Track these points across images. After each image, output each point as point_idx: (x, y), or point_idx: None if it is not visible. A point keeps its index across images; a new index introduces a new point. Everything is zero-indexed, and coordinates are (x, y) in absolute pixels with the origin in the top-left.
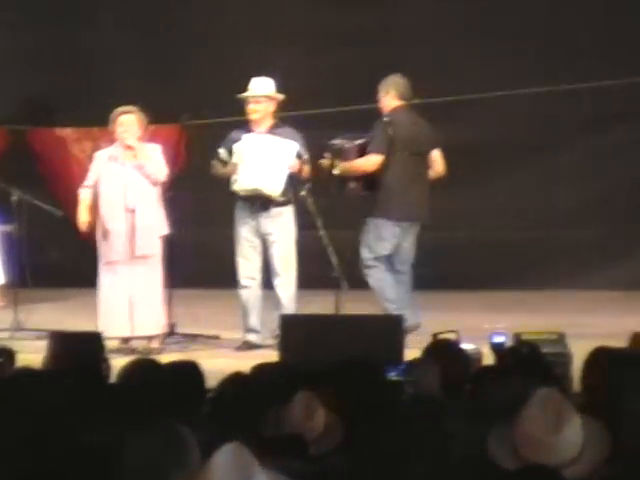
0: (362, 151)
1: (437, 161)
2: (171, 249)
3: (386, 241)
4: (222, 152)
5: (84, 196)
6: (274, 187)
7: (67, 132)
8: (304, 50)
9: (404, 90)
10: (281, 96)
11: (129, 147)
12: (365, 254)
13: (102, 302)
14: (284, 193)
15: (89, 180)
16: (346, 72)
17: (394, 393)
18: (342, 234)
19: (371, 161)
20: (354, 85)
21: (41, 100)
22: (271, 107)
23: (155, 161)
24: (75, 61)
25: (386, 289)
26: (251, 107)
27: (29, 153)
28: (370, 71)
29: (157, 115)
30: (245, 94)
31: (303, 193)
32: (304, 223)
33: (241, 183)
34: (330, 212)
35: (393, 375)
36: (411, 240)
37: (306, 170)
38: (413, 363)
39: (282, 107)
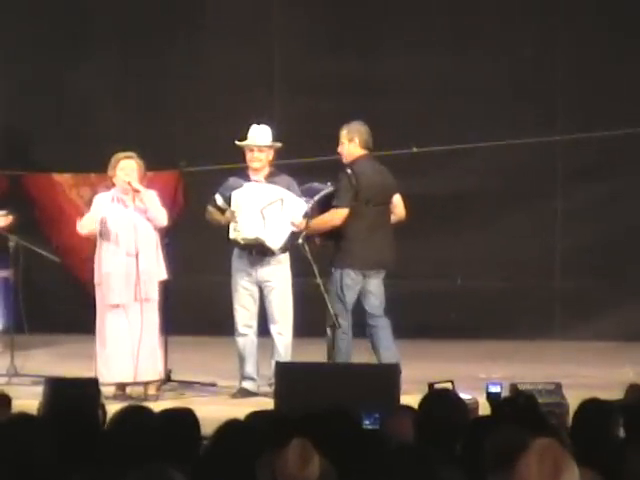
0: (323, 204)
1: (398, 206)
2: (167, 295)
3: (351, 289)
4: (219, 198)
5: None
6: (276, 242)
7: (65, 177)
8: (300, 97)
9: (367, 138)
10: (279, 144)
11: (135, 190)
12: (339, 307)
13: (104, 346)
14: (284, 246)
15: (93, 216)
16: (342, 119)
17: (371, 441)
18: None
19: (338, 215)
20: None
21: (37, 145)
22: (271, 155)
23: (156, 206)
24: (71, 106)
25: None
26: (255, 155)
27: (26, 198)
28: (365, 118)
29: (154, 161)
30: (247, 142)
31: (300, 241)
32: (300, 270)
33: (242, 232)
34: (326, 260)
35: (367, 424)
36: (377, 283)
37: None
38: (388, 412)
39: (277, 154)
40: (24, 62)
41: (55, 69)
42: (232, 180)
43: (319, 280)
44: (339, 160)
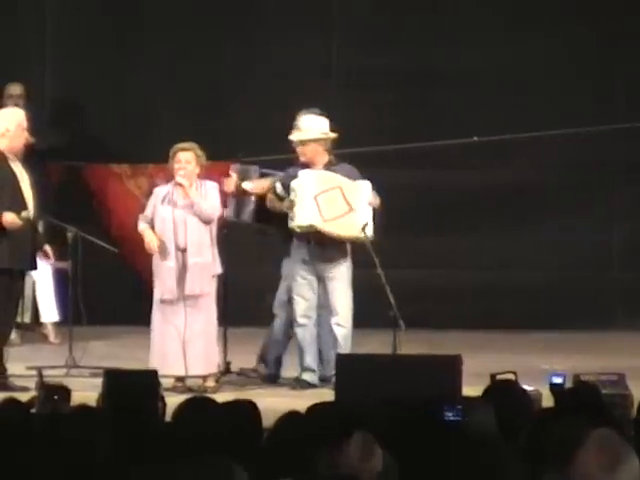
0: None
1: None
2: (226, 287)
3: None
4: (278, 187)
5: (141, 225)
6: (369, 232)
7: (123, 168)
8: (360, 87)
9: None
10: (332, 135)
11: (178, 184)
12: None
13: (155, 341)
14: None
15: (147, 211)
16: (402, 109)
17: (451, 434)
18: (399, 273)
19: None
20: (410, 123)
21: (96, 136)
22: (321, 147)
23: (209, 199)
24: (130, 97)
25: None
26: (298, 150)
27: (85, 189)
28: (426, 108)
29: (212, 152)
30: (293, 136)
31: (361, 235)
32: (360, 261)
33: (296, 219)
34: (387, 250)
35: (450, 416)
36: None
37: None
38: (471, 404)
39: (341, 143)
40: (82, 56)
41: (114, 62)
42: (292, 169)
43: (380, 271)
44: (400, 151)
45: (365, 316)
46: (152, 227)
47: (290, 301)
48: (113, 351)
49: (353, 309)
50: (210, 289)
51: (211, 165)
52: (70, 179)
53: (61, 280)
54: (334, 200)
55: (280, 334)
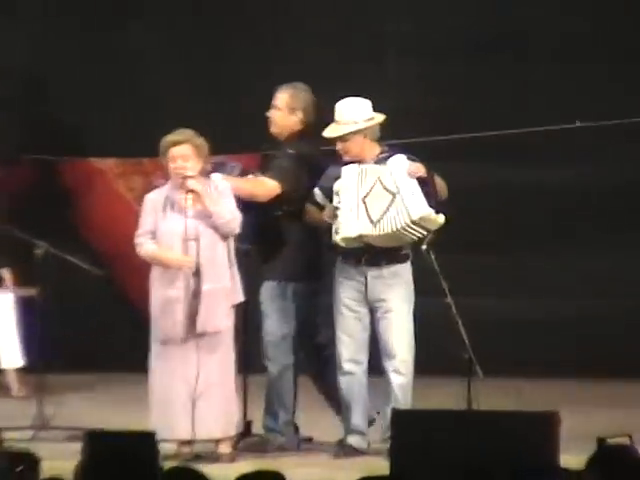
0: None
1: None
2: (247, 319)
3: None
4: (318, 194)
5: (150, 245)
6: (420, 209)
7: (109, 164)
8: (416, 64)
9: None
10: (377, 119)
11: (190, 191)
12: None
13: (153, 393)
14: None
15: (146, 226)
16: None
17: None
18: (474, 302)
19: None
20: (485, 105)
21: (76, 123)
22: (366, 138)
23: (224, 202)
24: (119, 74)
25: None
26: (339, 148)
27: (59, 192)
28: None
29: (229, 142)
30: (326, 133)
31: (424, 247)
32: (423, 287)
33: (341, 231)
34: (456, 273)
35: None
36: None
37: (444, 185)
38: (572, 477)
39: (394, 129)
40: (58, 27)
41: (97, 31)
42: (332, 169)
43: (450, 300)
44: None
45: (430, 360)
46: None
47: (288, 338)
48: (96, 406)
49: (414, 350)
50: (228, 323)
51: (227, 160)
52: (40, 179)
53: (27, 312)
54: (378, 195)
55: (284, 386)
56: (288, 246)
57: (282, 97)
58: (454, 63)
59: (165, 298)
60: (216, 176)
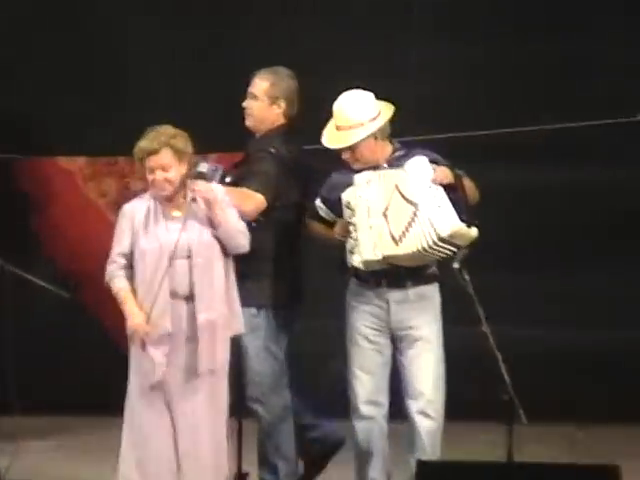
0: None
1: None
2: (240, 357)
3: None
4: (321, 207)
5: (119, 282)
6: (449, 225)
7: (78, 164)
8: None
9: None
10: (385, 114)
11: (208, 202)
12: None
13: (129, 443)
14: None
15: (121, 247)
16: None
17: None
18: (516, 332)
19: None
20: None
21: (37, 113)
22: (377, 139)
23: (234, 220)
24: (91, 53)
25: None
26: (346, 157)
27: (17, 196)
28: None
29: (222, 138)
30: (329, 143)
31: (456, 265)
32: (454, 313)
33: (362, 252)
34: (494, 296)
35: None
36: None
37: (474, 188)
38: None
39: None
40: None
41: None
42: (336, 176)
43: (486, 328)
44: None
45: (462, 401)
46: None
47: (278, 374)
48: (62, 456)
49: (445, 388)
50: (223, 360)
51: (218, 158)
52: None
53: None
54: (398, 207)
55: (282, 432)
56: (265, 264)
57: (261, 84)
58: (490, 44)
59: (149, 335)
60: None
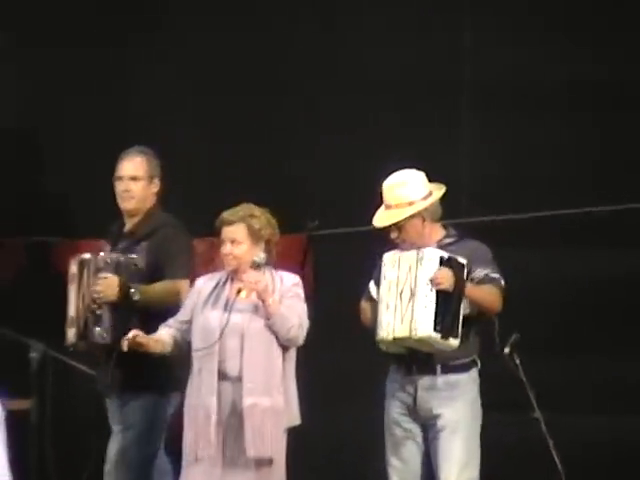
0: None
1: None
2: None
3: None
4: (373, 288)
5: (160, 330)
6: (421, 329)
7: None
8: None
9: None
10: (435, 197)
11: (263, 299)
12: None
13: None
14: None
15: (180, 314)
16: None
17: None
18: (571, 419)
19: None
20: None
21: (79, 194)
22: (425, 220)
23: (291, 305)
24: (131, 128)
25: None
26: (395, 238)
27: (53, 278)
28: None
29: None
30: (377, 222)
31: (506, 350)
32: (502, 398)
33: (384, 330)
34: (548, 381)
35: None
36: None
37: (487, 294)
38: None
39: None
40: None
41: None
42: (389, 256)
43: (538, 414)
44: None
45: None
46: (182, 338)
47: None
48: None
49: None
50: (278, 452)
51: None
52: (28, 264)
53: (18, 430)
54: (407, 290)
55: None
56: None
57: (139, 164)
58: (550, 122)
59: (197, 406)
60: (288, 276)
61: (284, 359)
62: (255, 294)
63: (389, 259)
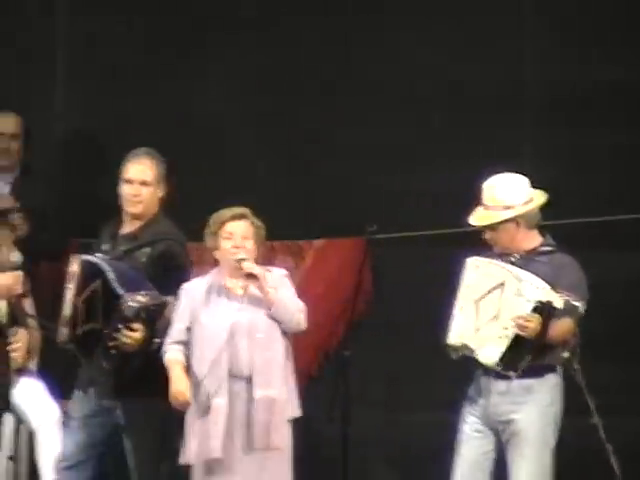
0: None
1: None
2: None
3: None
4: None
5: (173, 352)
6: (489, 354)
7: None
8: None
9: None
10: (534, 204)
11: (250, 276)
12: None
13: None
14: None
15: (179, 322)
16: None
17: None
18: (632, 423)
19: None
20: None
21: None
22: (520, 227)
23: (288, 293)
24: (191, 134)
25: None
26: (488, 238)
27: None
28: None
29: (323, 224)
30: (472, 220)
31: (566, 355)
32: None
33: (450, 335)
34: (607, 387)
35: None
36: None
37: (561, 330)
38: None
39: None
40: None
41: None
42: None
43: (597, 420)
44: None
45: None
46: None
47: None
48: None
49: None
50: (285, 443)
51: (325, 244)
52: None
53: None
54: (491, 304)
55: None
56: None
57: (149, 168)
58: (616, 130)
59: (208, 408)
60: (277, 270)
61: (286, 351)
62: (253, 286)
63: (471, 264)
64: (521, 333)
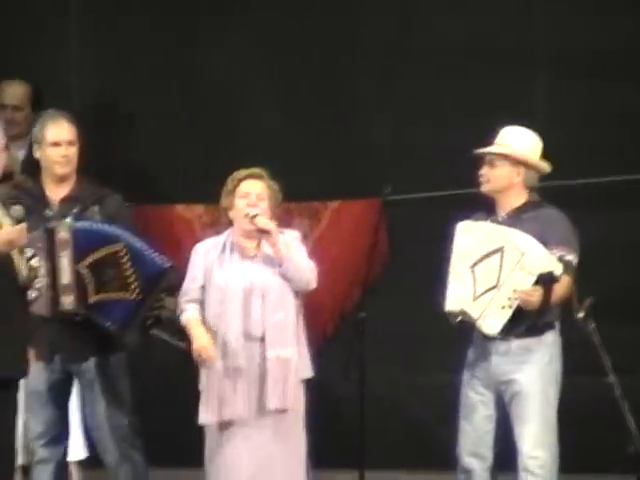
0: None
1: None
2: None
3: None
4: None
5: (189, 313)
6: (492, 324)
7: (196, 212)
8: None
9: None
10: (542, 164)
11: (263, 231)
12: None
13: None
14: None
15: (193, 281)
16: None
17: None
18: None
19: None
20: None
21: (152, 162)
22: (518, 176)
23: (298, 257)
24: (209, 103)
25: None
26: (483, 176)
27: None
28: None
29: (338, 184)
30: (477, 150)
31: (581, 315)
32: (578, 363)
33: (447, 301)
34: (622, 345)
35: None
36: None
37: (561, 291)
38: None
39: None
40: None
41: (181, 48)
42: (478, 216)
43: (613, 379)
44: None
45: (584, 455)
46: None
47: None
48: None
49: (556, 445)
50: (298, 402)
51: (340, 206)
52: None
53: None
54: (490, 269)
55: None
56: None
57: (71, 128)
58: (624, 86)
59: (220, 371)
60: (289, 232)
61: (297, 311)
62: (265, 244)
63: (461, 229)
64: (524, 306)
